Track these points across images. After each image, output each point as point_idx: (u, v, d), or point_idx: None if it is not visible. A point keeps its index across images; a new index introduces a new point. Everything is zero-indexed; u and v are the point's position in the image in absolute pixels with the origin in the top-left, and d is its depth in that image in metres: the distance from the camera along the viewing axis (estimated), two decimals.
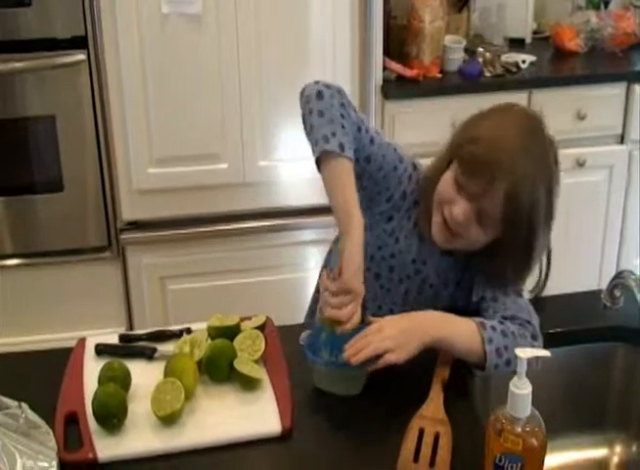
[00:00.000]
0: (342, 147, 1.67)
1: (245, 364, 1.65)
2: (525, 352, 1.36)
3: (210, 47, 2.84)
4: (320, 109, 1.72)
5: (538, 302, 1.79)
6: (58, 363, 1.73)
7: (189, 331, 1.81)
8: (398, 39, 3.20)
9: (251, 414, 1.60)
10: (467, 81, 3.17)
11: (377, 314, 1.73)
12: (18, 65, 2.77)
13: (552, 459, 1.55)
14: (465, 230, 1.69)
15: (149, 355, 1.75)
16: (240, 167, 2.99)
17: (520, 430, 1.33)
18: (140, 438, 1.54)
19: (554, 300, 1.92)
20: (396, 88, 3.08)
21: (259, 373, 1.66)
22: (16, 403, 1.52)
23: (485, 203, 1.64)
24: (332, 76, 2.93)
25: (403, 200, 1.83)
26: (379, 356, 1.57)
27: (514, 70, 3.21)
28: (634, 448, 1.90)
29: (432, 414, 1.57)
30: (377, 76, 3.00)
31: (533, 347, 1.64)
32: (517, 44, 3.45)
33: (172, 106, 2.89)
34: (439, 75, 3.18)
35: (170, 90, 2.88)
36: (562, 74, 3.33)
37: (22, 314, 3.05)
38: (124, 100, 2.86)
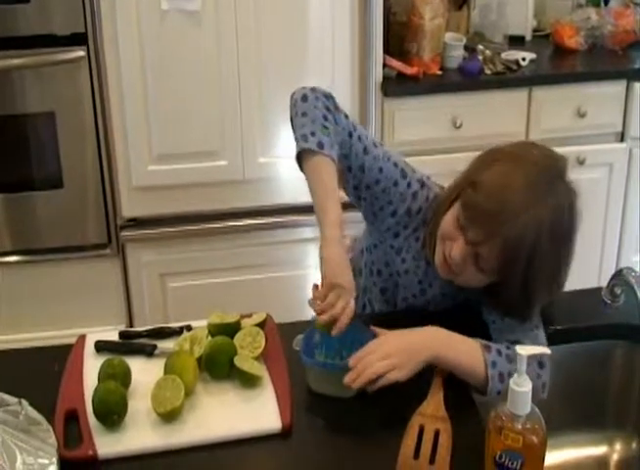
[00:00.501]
0: (320, 145, 1.67)
1: (245, 361, 1.65)
2: (525, 350, 1.36)
3: (210, 43, 2.83)
4: (304, 110, 1.74)
5: None
6: (58, 360, 1.72)
7: (189, 328, 1.81)
8: (398, 36, 3.20)
9: (252, 411, 1.60)
10: (467, 79, 3.16)
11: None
12: (17, 61, 2.77)
13: (552, 456, 1.55)
14: (463, 270, 1.67)
15: (149, 352, 1.75)
16: (239, 164, 2.99)
17: (520, 427, 1.33)
18: (140, 435, 1.54)
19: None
20: (396, 85, 3.08)
21: (259, 370, 1.66)
22: (16, 400, 1.51)
23: (482, 250, 1.61)
24: (331, 74, 2.93)
25: (409, 217, 1.82)
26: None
27: (514, 67, 3.21)
28: (634, 446, 1.90)
29: (432, 412, 1.57)
30: (377, 74, 2.99)
31: (539, 376, 1.61)
32: (517, 42, 3.45)
33: (172, 103, 2.89)
34: (439, 73, 3.18)
35: (170, 87, 2.87)
36: (562, 72, 3.33)
37: (21, 311, 3.05)
38: (124, 96, 2.85)
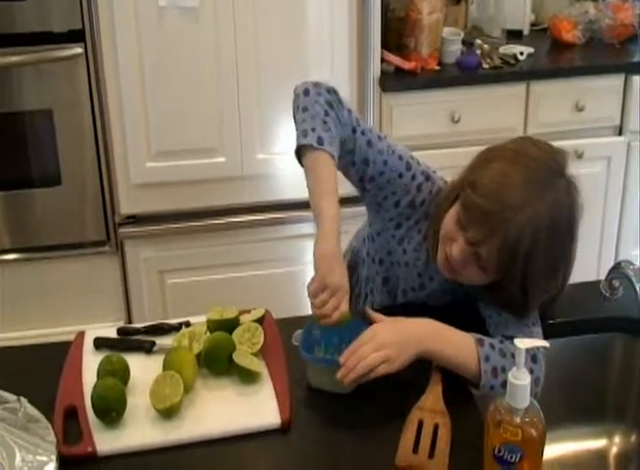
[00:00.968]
0: (320, 141, 1.67)
1: (244, 357, 1.65)
2: (523, 343, 1.35)
3: (208, 40, 2.83)
4: (304, 105, 1.74)
5: None
6: (57, 357, 1.72)
7: (188, 324, 1.80)
8: (396, 31, 3.20)
9: (251, 407, 1.60)
10: (465, 73, 3.17)
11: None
12: (15, 58, 2.77)
13: (551, 450, 1.55)
14: (464, 269, 1.66)
15: (148, 349, 1.74)
16: (238, 161, 2.99)
17: (519, 421, 1.33)
18: (139, 431, 1.54)
19: None
20: (394, 80, 3.08)
21: (258, 366, 1.66)
22: (15, 398, 1.51)
23: (482, 250, 1.60)
24: (330, 69, 2.93)
25: (412, 208, 1.82)
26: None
27: (512, 61, 3.21)
28: (633, 439, 1.90)
29: (431, 406, 1.57)
30: (375, 69, 2.99)
31: (532, 371, 1.59)
32: (515, 36, 3.44)
33: (170, 99, 2.89)
34: (437, 68, 3.17)
35: (168, 84, 2.87)
36: (560, 66, 3.33)
37: (20, 309, 3.05)
38: (122, 93, 2.85)
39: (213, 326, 1.74)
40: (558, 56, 3.40)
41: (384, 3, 3.01)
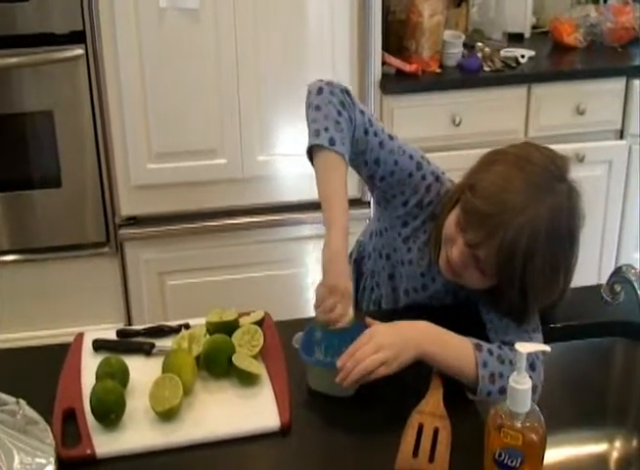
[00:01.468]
0: (332, 142, 1.67)
1: (243, 360, 1.65)
2: (524, 347, 1.35)
3: (208, 41, 2.83)
4: (317, 103, 1.73)
5: None
6: (56, 359, 1.72)
7: (187, 326, 1.80)
8: (397, 34, 3.20)
9: (250, 410, 1.59)
10: (466, 76, 3.16)
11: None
12: (15, 60, 2.77)
13: (552, 454, 1.54)
14: (464, 272, 1.66)
15: (147, 351, 1.74)
16: (238, 163, 2.99)
17: (519, 425, 1.33)
18: (138, 434, 1.53)
19: None
20: (395, 83, 3.08)
21: (258, 368, 1.65)
22: (13, 400, 1.51)
23: (480, 252, 1.60)
24: (331, 71, 2.92)
25: (420, 208, 1.82)
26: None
27: (513, 64, 3.21)
28: (634, 444, 1.90)
29: (431, 409, 1.56)
30: (376, 71, 2.99)
31: (530, 378, 1.60)
32: (516, 39, 3.45)
33: (170, 101, 2.89)
34: (438, 70, 3.18)
35: (168, 85, 2.87)
36: (561, 69, 3.33)
37: (20, 310, 3.05)
38: (122, 95, 2.85)
39: (213, 328, 1.74)
40: (559, 59, 3.40)
41: (384, 5, 3.01)
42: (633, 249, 3.41)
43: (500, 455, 1.34)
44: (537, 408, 1.35)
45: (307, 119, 1.76)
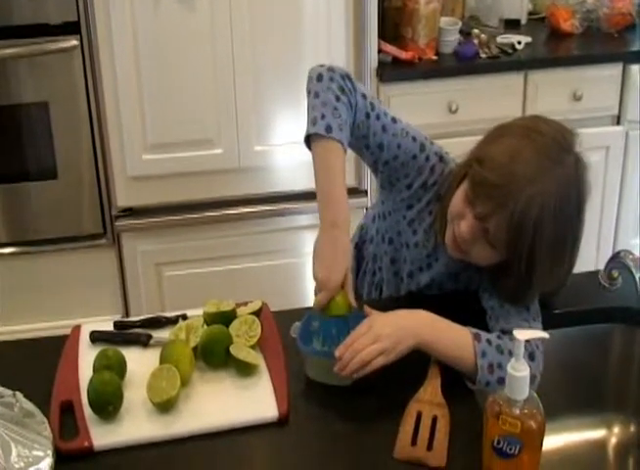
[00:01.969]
0: (328, 129, 1.66)
1: (241, 350, 1.65)
2: (522, 334, 1.35)
3: (204, 31, 2.82)
4: (316, 90, 1.73)
5: None
6: (53, 351, 1.71)
7: (184, 317, 1.80)
8: (393, 21, 3.19)
9: (248, 400, 1.59)
10: (462, 63, 3.16)
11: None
12: (10, 51, 2.76)
13: (550, 440, 1.54)
14: (472, 246, 1.66)
15: (144, 342, 1.74)
16: (235, 153, 2.98)
17: (518, 412, 1.32)
18: (136, 425, 1.53)
19: None
20: (392, 71, 3.07)
21: (256, 359, 1.65)
22: (10, 392, 1.51)
23: (491, 224, 1.59)
24: (327, 59, 2.89)
25: (424, 189, 1.81)
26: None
27: (509, 51, 3.20)
28: (632, 429, 1.90)
29: (429, 397, 1.56)
30: (372, 59, 2.98)
31: (529, 367, 1.59)
32: (512, 25, 3.44)
33: (166, 91, 2.88)
34: (435, 57, 3.17)
35: (164, 75, 2.86)
36: (558, 55, 3.32)
37: (17, 303, 3.04)
38: (118, 85, 2.84)
39: (210, 319, 1.73)
40: (556, 45, 3.39)
41: None
42: (631, 235, 3.41)
43: (499, 443, 1.34)
44: (536, 395, 1.34)
45: (307, 105, 1.75)
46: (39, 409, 1.50)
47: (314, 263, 1.62)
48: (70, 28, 2.78)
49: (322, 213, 1.64)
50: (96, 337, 1.75)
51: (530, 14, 3.53)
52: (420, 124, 3.04)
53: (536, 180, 1.55)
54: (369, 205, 3.07)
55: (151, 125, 2.90)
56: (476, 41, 3.23)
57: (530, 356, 1.59)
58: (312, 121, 1.69)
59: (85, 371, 1.63)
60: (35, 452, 1.41)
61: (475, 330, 1.63)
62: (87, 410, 1.54)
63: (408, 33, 3.14)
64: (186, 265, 3.09)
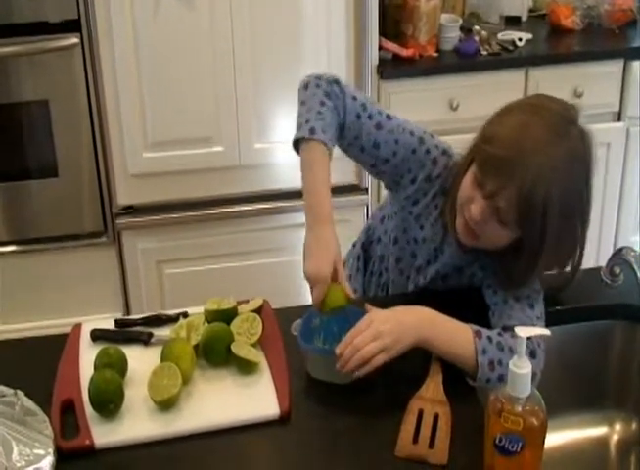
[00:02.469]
0: (312, 131, 1.70)
1: (242, 348, 1.65)
2: (524, 331, 1.34)
3: (204, 29, 2.82)
4: (303, 99, 1.78)
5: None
6: (54, 350, 1.71)
7: (185, 315, 1.79)
8: (394, 19, 3.18)
9: (249, 398, 1.59)
10: (463, 60, 3.15)
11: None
12: (10, 49, 2.76)
13: (551, 438, 1.54)
14: (484, 229, 1.65)
15: (145, 340, 1.74)
16: (235, 150, 2.98)
17: (520, 409, 1.32)
18: (137, 423, 1.53)
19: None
20: (392, 68, 3.07)
21: (257, 356, 1.65)
22: (11, 391, 1.51)
23: (501, 201, 1.59)
24: (327, 57, 2.91)
25: (429, 183, 1.81)
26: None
27: (510, 48, 3.19)
28: (634, 426, 1.90)
29: (431, 395, 1.56)
30: (372, 56, 2.98)
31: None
32: (513, 22, 3.43)
33: (167, 89, 2.87)
34: (435, 54, 3.17)
35: (164, 73, 2.86)
36: (558, 52, 3.32)
37: (18, 301, 3.04)
38: (118, 83, 2.84)
39: (211, 317, 1.73)
40: (556, 42, 3.38)
41: None
42: (632, 231, 3.40)
43: (501, 440, 1.34)
44: (537, 393, 1.34)
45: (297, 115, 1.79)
46: (40, 408, 1.50)
47: (303, 262, 1.63)
48: (71, 26, 2.77)
49: (306, 211, 1.69)
50: (97, 335, 1.75)
51: (531, 10, 3.52)
52: (421, 121, 3.03)
53: (544, 151, 1.56)
54: (369, 202, 3.07)
55: (151, 123, 2.90)
56: (476, 38, 3.22)
57: (532, 354, 1.59)
58: (298, 127, 1.73)
59: (86, 369, 1.63)
60: (36, 451, 1.41)
61: (476, 327, 1.63)
62: (88, 409, 1.54)
63: (409, 30, 3.14)
64: (187, 263, 3.09)
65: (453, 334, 1.62)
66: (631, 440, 1.89)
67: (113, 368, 1.59)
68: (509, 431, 1.33)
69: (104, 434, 1.50)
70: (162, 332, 1.75)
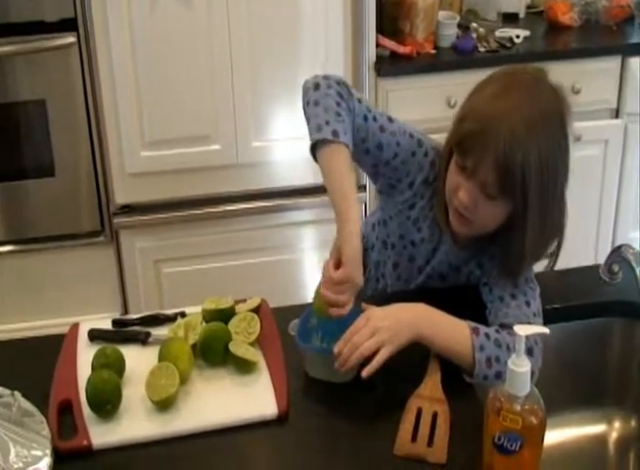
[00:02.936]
0: (335, 134, 1.66)
1: (240, 347, 1.64)
2: (523, 330, 1.34)
3: (201, 27, 2.81)
4: (316, 98, 1.73)
5: (537, 278, 1.77)
6: (51, 350, 1.71)
7: (183, 315, 1.79)
8: (391, 16, 3.18)
9: (247, 397, 1.59)
10: (461, 57, 3.15)
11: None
12: (6, 48, 2.75)
13: (550, 435, 1.53)
14: (475, 212, 1.65)
15: (143, 340, 1.73)
16: (233, 149, 2.97)
17: (519, 408, 1.32)
18: (135, 423, 1.53)
19: (551, 275, 1.90)
20: (390, 65, 3.06)
21: (255, 356, 1.65)
22: (8, 392, 1.50)
23: (482, 174, 1.59)
24: (324, 54, 2.91)
25: (426, 186, 1.81)
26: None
27: (508, 45, 3.19)
28: (633, 424, 1.90)
29: (429, 393, 1.56)
30: (370, 53, 2.98)
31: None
32: (510, 19, 3.43)
33: (164, 88, 2.87)
34: (433, 52, 3.17)
35: (161, 72, 2.85)
36: (556, 49, 3.32)
37: (15, 301, 3.04)
38: (115, 82, 2.83)
39: (209, 316, 1.73)
40: (554, 39, 3.38)
41: None
42: (630, 228, 3.39)
43: (499, 439, 1.34)
44: (536, 391, 1.34)
45: (306, 116, 1.74)
46: (37, 409, 1.50)
47: (330, 260, 1.60)
48: (67, 25, 2.77)
49: (336, 214, 1.62)
50: (94, 335, 1.74)
51: (529, 7, 3.53)
52: (418, 119, 3.04)
53: (517, 114, 1.58)
54: (367, 200, 3.06)
55: (148, 122, 2.90)
56: (474, 35, 3.22)
57: (529, 352, 1.58)
58: (317, 128, 1.68)
59: (84, 370, 1.62)
60: (34, 452, 1.40)
61: (473, 324, 1.63)
62: (86, 409, 1.54)
63: (406, 27, 3.14)
64: (185, 262, 3.09)
65: (451, 331, 1.62)
66: (630, 437, 1.89)
67: (110, 368, 1.58)
68: (508, 429, 1.33)
69: (101, 434, 1.50)
70: (160, 331, 1.74)
